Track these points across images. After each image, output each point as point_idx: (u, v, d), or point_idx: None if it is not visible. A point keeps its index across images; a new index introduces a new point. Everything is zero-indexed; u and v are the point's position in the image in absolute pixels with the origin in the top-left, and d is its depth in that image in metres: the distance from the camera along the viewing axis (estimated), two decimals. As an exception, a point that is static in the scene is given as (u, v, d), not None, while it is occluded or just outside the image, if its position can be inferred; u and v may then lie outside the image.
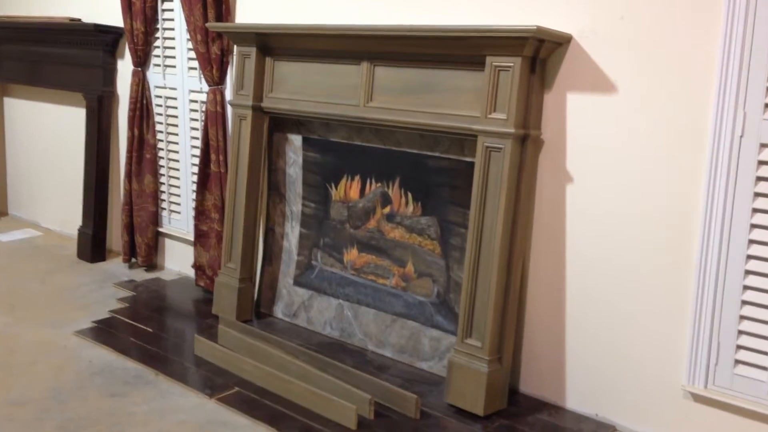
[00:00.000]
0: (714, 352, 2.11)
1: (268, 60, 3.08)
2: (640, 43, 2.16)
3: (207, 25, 3.12)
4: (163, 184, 3.95)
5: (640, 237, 2.24)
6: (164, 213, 3.99)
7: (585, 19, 2.25)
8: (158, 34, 3.75)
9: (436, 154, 2.69)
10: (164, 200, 3.97)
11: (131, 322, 3.21)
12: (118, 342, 2.98)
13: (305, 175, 3.18)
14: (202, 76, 3.51)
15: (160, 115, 3.86)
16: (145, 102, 3.82)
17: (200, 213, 3.55)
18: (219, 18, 3.28)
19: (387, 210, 2.90)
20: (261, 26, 2.97)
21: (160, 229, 3.99)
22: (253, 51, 3.06)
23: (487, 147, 2.34)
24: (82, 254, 4.25)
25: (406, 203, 2.83)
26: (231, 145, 3.18)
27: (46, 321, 3.24)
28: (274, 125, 3.26)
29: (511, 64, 2.26)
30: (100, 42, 3.93)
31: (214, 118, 3.39)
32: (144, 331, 3.12)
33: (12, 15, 4.63)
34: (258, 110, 3.10)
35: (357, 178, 2.99)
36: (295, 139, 3.19)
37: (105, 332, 3.09)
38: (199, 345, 2.87)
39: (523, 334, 2.56)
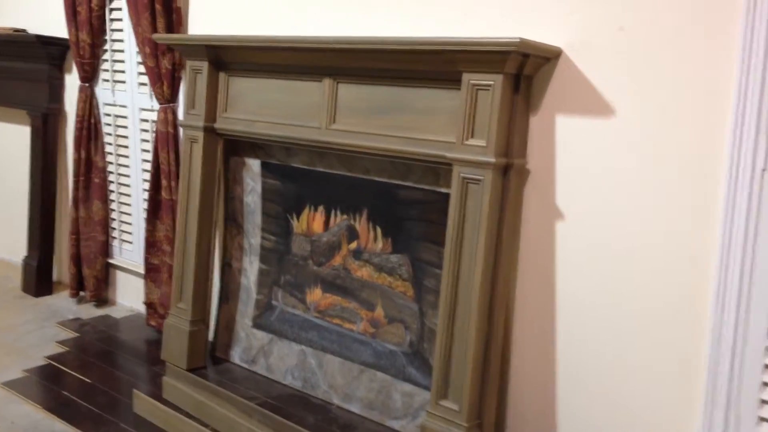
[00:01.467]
0: (732, 425, 1.80)
1: (222, 76, 2.78)
2: (641, 57, 1.87)
3: (153, 36, 2.81)
4: (114, 211, 3.63)
5: (642, 281, 1.93)
6: (115, 243, 3.67)
7: (576, 30, 1.96)
8: (107, 46, 3.44)
9: (408, 183, 2.39)
10: (115, 229, 3.65)
11: (68, 370, 2.89)
12: (49, 397, 2.66)
13: (264, 204, 2.88)
14: (152, 92, 3.20)
15: (110, 135, 3.55)
16: (93, 121, 3.51)
17: (151, 245, 3.23)
18: (169, 29, 2.98)
19: (354, 246, 2.60)
20: (212, 38, 2.66)
21: (111, 261, 3.67)
22: (204, 65, 2.75)
23: (464, 178, 2.04)
24: (26, 287, 3.92)
25: (375, 238, 2.52)
26: (182, 170, 2.86)
27: (-30, 370, 2.90)
28: (231, 148, 2.95)
29: (491, 83, 1.96)
30: (46, 55, 3.63)
31: (164, 140, 3.08)
32: (81, 382, 2.79)
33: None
34: (210, 132, 2.80)
35: (320, 209, 2.69)
36: (254, 164, 2.89)
37: (35, 384, 2.76)
38: (138, 402, 2.55)
39: (508, 393, 2.24)
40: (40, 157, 3.76)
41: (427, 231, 2.36)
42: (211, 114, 2.79)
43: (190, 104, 2.82)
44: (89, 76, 3.46)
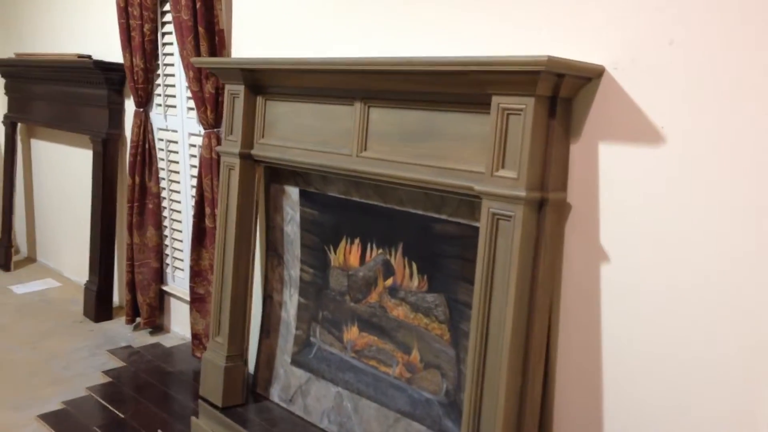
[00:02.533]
0: None
1: (260, 100, 2.68)
2: (696, 74, 1.62)
3: (192, 60, 2.76)
4: (167, 237, 3.61)
5: (703, 330, 1.66)
6: (168, 270, 3.65)
7: (620, 45, 1.72)
8: (159, 71, 3.43)
9: (443, 216, 2.20)
10: (168, 255, 3.63)
11: (105, 404, 2.85)
12: (78, 432, 2.62)
13: (303, 235, 2.75)
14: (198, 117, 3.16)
15: (163, 160, 3.54)
16: (147, 146, 3.51)
17: (196, 274, 3.18)
18: (212, 52, 2.93)
19: (389, 282, 2.42)
20: (245, 61, 2.58)
21: (165, 288, 3.65)
22: (241, 89, 2.67)
23: (494, 214, 1.84)
24: (87, 311, 3.97)
25: (411, 275, 2.34)
26: (219, 197, 2.79)
27: (13, 399, 2.92)
28: (271, 175, 2.86)
29: (522, 106, 1.75)
30: (105, 80, 3.67)
31: (208, 166, 3.03)
32: (115, 418, 2.74)
33: (29, 53, 4.47)
34: (247, 158, 2.70)
35: (357, 241, 2.53)
36: (293, 192, 2.78)
37: (69, 418, 2.73)
38: (161, 442, 2.47)
39: (549, 455, 2.01)
40: (100, 182, 3.81)
41: (463, 269, 2.16)
42: (248, 140, 2.70)
43: (228, 130, 2.74)
44: (143, 101, 3.47)
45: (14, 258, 5.15)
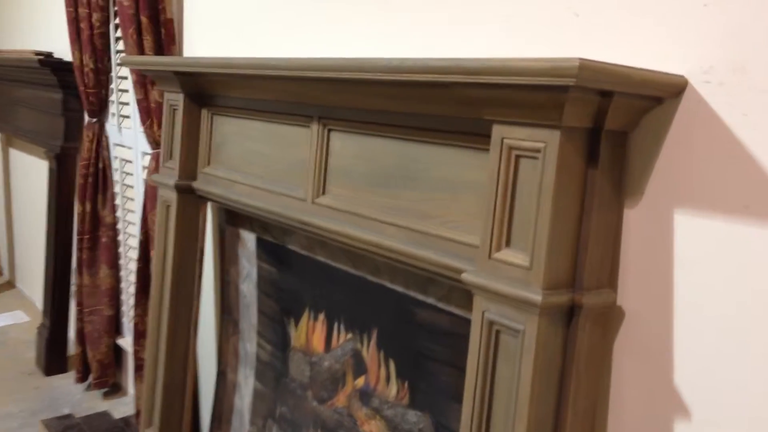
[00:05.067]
0: None
1: (205, 114, 2.04)
2: None
3: (121, 59, 2.14)
4: (123, 279, 3.01)
5: None
6: (125, 319, 3.04)
7: (720, 42, 1.00)
8: (113, 73, 2.83)
9: (430, 301, 1.51)
10: (124, 301, 3.02)
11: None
12: None
13: (260, 298, 2.09)
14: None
15: (118, 183, 2.93)
16: (101, 165, 2.91)
17: (141, 334, 2.55)
18: (158, 48, 2.30)
19: (361, 382, 1.74)
20: (179, 61, 1.93)
21: (120, 341, 3.04)
22: (180, 99, 2.03)
23: (491, 322, 1.14)
24: (39, 361, 3.40)
25: (387, 378, 1.65)
26: (156, 243, 2.15)
27: None
28: (227, 214, 2.21)
29: (541, 144, 1.05)
30: (59, 83, 3.09)
31: (154, 197, 2.40)
32: None
33: (-4, 48, 3.96)
34: (187, 192, 2.06)
35: (321, 317, 1.86)
36: (249, 240, 2.12)
37: None
38: None
39: None
40: (54, 208, 3.23)
41: (457, 384, 1.46)
42: (189, 167, 2.06)
43: (167, 153, 2.11)
44: (96, 110, 2.88)
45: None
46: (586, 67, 0.91)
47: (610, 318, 1.16)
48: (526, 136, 1.07)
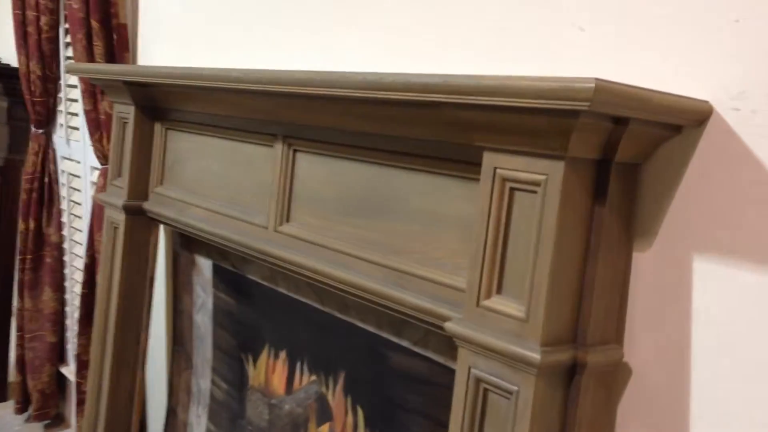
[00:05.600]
0: None
1: (159, 129, 1.87)
2: None
3: (67, 66, 1.96)
4: (68, 302, 2.80)
5: None
6: (69, 346, 2.83)
7: (744, 69, 0.86)
8: (62, 81, 2.64)
9: (405, 344, 1.35)
10: (69, 327, 2.82)
11: None
12: None
13: (216, 331, 1.92)
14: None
15: (65, 199, 2.74)
16: (47, 179, 2.71)
17: (83, 365, 2.35)
18: (110, 55, 2.12)
19: (325, 430, 1.57)
20: (129, 70, 1.76)
21: (64, 370, 2.83)
22: (131, 112, 1.85)
23: (478, 380, 0.98)
24: (-23, 389, 3.16)
25: (355, 428, 1.49)
26: (101, 267, 1.97)
27: None
28: (181, 238, 2.03)
29: (542, 177, 0.90)
30: (4, 89, 2.89)
31: (102, 217, 2.21)
32: None
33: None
34: (137, 214, 1.88)
35: (283, 355, 1.69)
36: (205, 267, 1.95)
37: None
38: None
39: None
40: (-4, 223, 3.02)
41: (434, 438, 1.31)
42: (139, 187, 1.89)
43: (115, 170, 1.93)
44: (43, 120, 2.68)
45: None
46: (602, 89, 0.77)
47: (615, 376, 1.01)
48: (523, 167, 0.93)
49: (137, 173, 1.88)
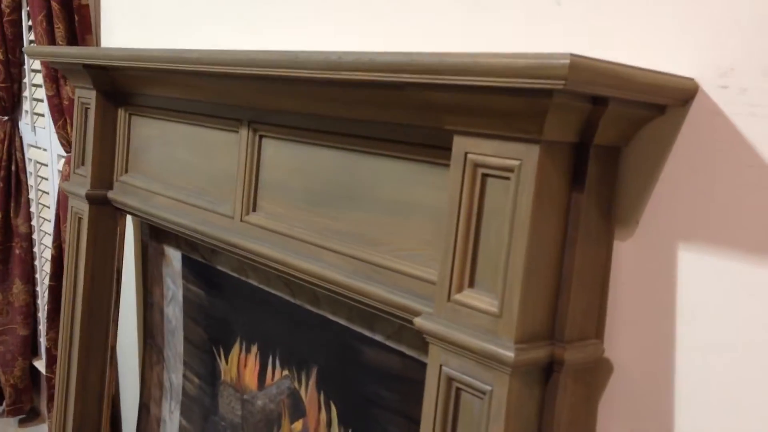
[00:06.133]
0: None
1: (122, 114, 1.79)
2: None
3: (24, 49, 1.87)
4: (40, 294, 2.73)
5: None
6: (42, 339, 2.76)
7: (734, 44, 0.80)
8: (26, 65, 2.55)
9: (378, 338, 1.29)
10: (41, 319, 2.74)
11: None
12: None
13: (187, 324, 1.85)
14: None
15: (33, 188, 2.65)
16: (14, 168, 2.62)
17: (53, 360, 2.28)
18: (71, 37, 2.03)
19: (298, 427, 1.52)
20: (87, 53, 1.68)
21: (37, 363, 2.76)
22: (92, 97, 1.77)
23: (450, 379, 0.92)
24: (-50, 383, 3.08)
25: (329, 424, 1.43)
26: (66, 258, 1.89)
27: None
28: (150, 228, 1.96)
29: (516, 162, 0.84)
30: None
31: (68, 206, 2.13)
32: None
33: None
34: (102, 204, 1.81)
35: (254, 349, 1.63)
36: (174, 258, 1.88)
37: None
38: None
39: None
40: (-36, 213, 2.92)
41: (409, 435, 1.25)
42: (103, 175, 1.81)
43: (78, 158, 1.85)
44: (8, 107, 2.59)
45: None
46: (579, 66, 0.70)
47: (595, 373, 0.95)
48: (495, 152, 0.86)
49: (101, 161, 1.80)
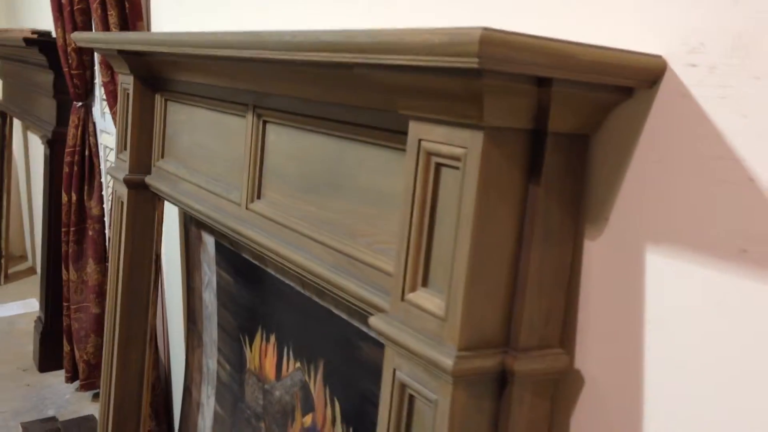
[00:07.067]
0: None
1: (159, 100, 1.79)
2: None
3: (73, 36, 1.91)
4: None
5: None
6: (112, 317, 2.84)
7: (703, 16, 0.68)
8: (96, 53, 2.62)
9: (373, 334, 1.23)
10: (111, 299, 2.82)
11: None
12: None
13: (219, 310, 1.85)
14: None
15: (104, 172, 2.74)
16: (87, 152, 2.72)
17: (111, 339, 2.34)
18: (124, 23, 2.06)
19: (308, 421, 1.48)
20: (121, 38, 1.69)
21: (108, 341, 2.84)
22: (130, 83, 1.79)
23: (403, 385, 0.85)
24: (35, 356, 3.25)
25: (333, 421, 1.38)
26: (111, 243, 1.93)
27: None
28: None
29: (462, 150, 0.76)
30: (49, 63, 2.91)
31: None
32: None
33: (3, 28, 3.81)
34: (140, 188, 1.82)
35: (273, 339, 1.60)
36: (209, 243, 1.88)
37: None
38: None
39: None
40: (47, 194, 3.06)
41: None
42: (142, 160, 1.83)
43: (121, 143, 1.88)
44: (82, 93, 2.68)
45: (14, 268, 4.59)
46: (492, 41, 0.62)
47: (564, 386, 0.86)
48: (445, 138, 0.78)
49: (139, 146, 1.82)
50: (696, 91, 0.69)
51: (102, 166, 2.74)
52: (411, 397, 0.85)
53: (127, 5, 2.03)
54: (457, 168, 0.78)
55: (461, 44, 0.62)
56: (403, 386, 0.86)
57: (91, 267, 2.79)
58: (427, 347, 0.80)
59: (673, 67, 0.71)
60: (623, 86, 0.74)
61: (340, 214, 1.10)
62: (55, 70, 2.91)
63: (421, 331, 0.82)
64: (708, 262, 0.70)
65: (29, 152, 4.37)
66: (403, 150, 0.97)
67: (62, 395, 2.97)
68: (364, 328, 1.25)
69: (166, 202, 1.89)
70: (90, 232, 2.77)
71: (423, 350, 0.80)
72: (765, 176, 0.65)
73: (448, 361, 0.76)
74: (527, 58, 0.65)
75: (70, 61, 2.62)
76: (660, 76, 0.72)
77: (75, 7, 2.51)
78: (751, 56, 0.66)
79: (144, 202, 1.85)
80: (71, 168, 2.73)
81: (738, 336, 0.69)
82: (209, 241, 1.86)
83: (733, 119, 0.66)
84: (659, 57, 0.72)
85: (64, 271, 2.85)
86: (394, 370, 0.87)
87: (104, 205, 2.77)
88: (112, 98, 2.15)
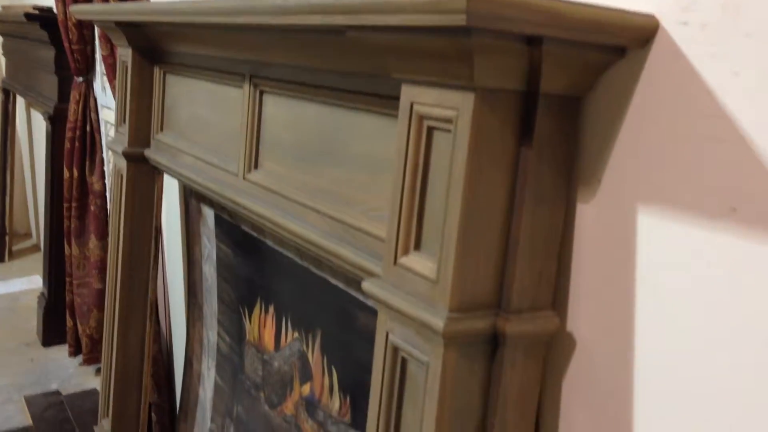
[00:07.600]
0: None
1: (158, 72, 1.79)
2: None
3: (71, 9, 1.90)
4: (112, 250, 2.82)
5: None
6: (115, 292, 2.85)
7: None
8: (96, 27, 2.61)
9: (370, 302, 1.23)
10: (114, 274, 2.83)
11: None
12: None
13: (219, 283, 1.86)
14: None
15: (105, 147, 2.73)
16: (89, 128, 2.71)
17: (112, 313, 2.35)
18: (123, -3, 2.06)
19: (307, 390, 1.49)
20: (118, 9, 1.68)
21: (111, 316, 2.86)
22: (128, 54, 1.78)
23: (395, 348, 0.86)
24: (39, 331, 3.27)
25: (330, 389, 1.39)
26: (111, 217, 1.94)
27: None
28: (188, 187, 1.97)
29: (452, 113, 0.75)
30: (50, 38, 2.90)
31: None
32: None
33: (8, 4, 3.80)
34: (139, 161, 1.82)
35: (271, 310, 1.61)
36: (209, 216, 1.88)
37: None
38: None
39: None
40: (49, 170, 3.07)
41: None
42: (141, 133, 1.82)
43: (121, 116, 1.87)
44: (83, 68, 2.67)
45: (18, 245, 4.61)
46: (479, -2, 0.61)
47: (556, 349, 0.86)
48: (437, 101, 0.78)
49: (138, 119, 1.81)
50: (688, 49, 0.69)
51: (103, 142, 2.74)
52: (404, 360, 0.86)
53: (125, -22, 2.02)
54: (449, 131, 0.77)
55: (449, 1, 0.62)
56: (396, 349, 0.86)
57: (93, 242, 2.79)
58: (418, 309, 0.80)
59: (666, 25, 0.70)
60: (615, 46, 0.74)
61: (336, 182, 1.09)
62: (57, 46, 2.90)
63: (414, 294, 0.82)
64: (699, 222, 0.70)
65: (32, 130, 4.37)
66: (396, 117, 0.98)
67: (66, 369, 2.99)
68: (361, 297, 1.25)
69: (165, 175, 1.89)
70: (92, 208, 2.77)
71: (415, 312, 0.80)
72: (755, 134, 0.64)
73: (439, 323, 0.77)
74: (516, 14, 0.65)
75: (70, 36, 2.61)
76: (652, 35, 0.72)
77: (74, -19, 2.49)
78: (743, 14, 0.65)
79: (143, 175, 1.85)
80: (72, 144, 2.73)
81: (728, 295, 0.69)
82: (209, 214, 1.87)
83: (725, 77, 0.66)
84: (651, 16, 0.71)
85: (66, 247, 2.86)
86: (387, 334, 0.87)
87: (106, 181, 2.77)
88: (111, 72, 2.15)
